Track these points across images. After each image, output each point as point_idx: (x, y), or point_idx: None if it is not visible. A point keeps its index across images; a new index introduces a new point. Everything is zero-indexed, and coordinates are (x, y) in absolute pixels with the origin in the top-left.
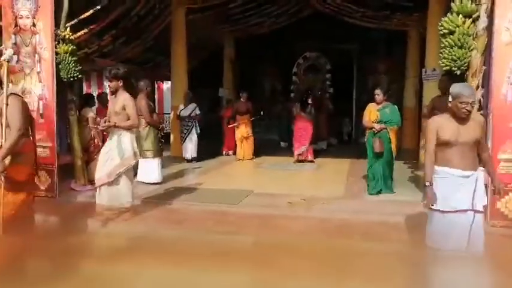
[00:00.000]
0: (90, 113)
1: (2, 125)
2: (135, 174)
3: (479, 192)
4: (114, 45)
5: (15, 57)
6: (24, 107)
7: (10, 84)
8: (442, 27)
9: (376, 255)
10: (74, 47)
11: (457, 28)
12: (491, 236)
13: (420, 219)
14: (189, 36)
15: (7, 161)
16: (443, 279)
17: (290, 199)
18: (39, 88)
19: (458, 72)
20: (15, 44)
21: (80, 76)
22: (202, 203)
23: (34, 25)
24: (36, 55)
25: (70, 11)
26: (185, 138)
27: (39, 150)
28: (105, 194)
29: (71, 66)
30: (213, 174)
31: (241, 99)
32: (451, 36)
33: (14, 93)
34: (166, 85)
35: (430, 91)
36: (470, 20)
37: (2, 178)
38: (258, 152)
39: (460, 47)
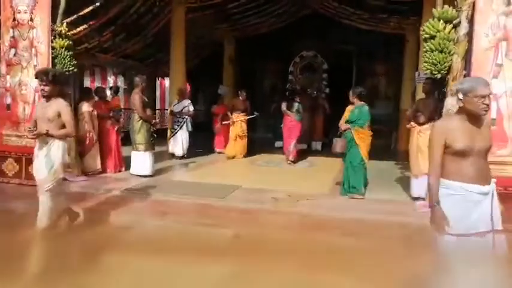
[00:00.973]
0: (85, 107)
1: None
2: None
3: (497, 208)
4: (114, 41)
5: (12, 51)
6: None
7: None
8: (423, 32)
9: (351, 251)
10: (70, 42)
11: (438, 33)
12: None
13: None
14: (188, 35)
15: None
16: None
17: (276, 195)
18: (35, 81)
19: (438, 76)
20: (13, 37)
21: (75, 70)
22: (189, 196)
23: (31, 20)
24: (33, 49)
25: (70, 7)
26: (174, 134)
27: (33, 141)
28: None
29: (66, 61)
30: (205, 170)
31: (240, 98)
32: (432, 40)
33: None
34: (168, 82)
35: (423, 94)
36: (451, 25)
37: None
38: (252, 150)
39: (441, 52)
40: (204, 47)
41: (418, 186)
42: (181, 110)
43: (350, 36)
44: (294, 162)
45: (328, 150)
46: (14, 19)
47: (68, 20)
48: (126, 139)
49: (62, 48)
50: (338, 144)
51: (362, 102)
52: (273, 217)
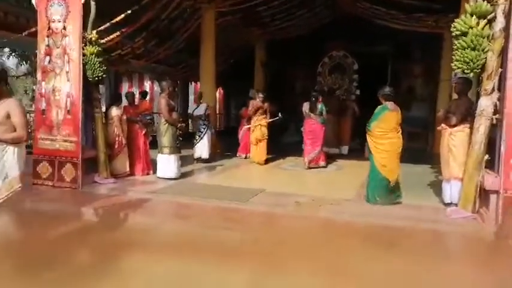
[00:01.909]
0: (114, 112)
1: None
2: None
3: None
4: (146, 47)
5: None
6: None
7: None
8: (454, 29)
9: (373, 258)
10: (100, 49)
11: (470, 29)
12: None
13: (427, 224)
14: (218, 39)
15: None
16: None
17: (299, 199)
18: (67, 86)
19: (471, 75)
20: (47, 46)
21: (104, 76)
22: (212, 199)
23: (64, 28)
24: (66, 56)
25: (104, 15)
26: (202, 137)
27: (65, 144)
28: None
29: (96, 67)
30: (230, 173)
31: (257, 100)
32: (464, 37)
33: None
34: None
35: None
36: (485, 21)
37: None
38: (279, 153)
39: (473, 49)
40: (234, 51)
41: (450, 190)
42: (205, 113)
43: (384, 36)
44: (322, 166)
45: (357, 155)
46: (49, 28)
47: (102, 28)
48: (155, 143)
49: (92, 54)
50: (367, 149)
51: (387, 103)
52: (295, 221)
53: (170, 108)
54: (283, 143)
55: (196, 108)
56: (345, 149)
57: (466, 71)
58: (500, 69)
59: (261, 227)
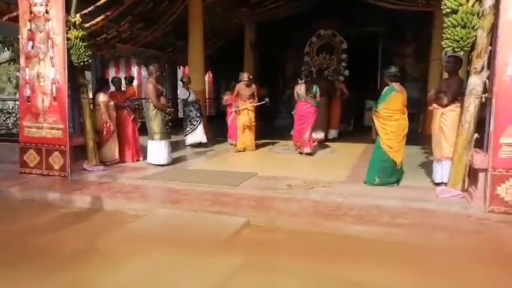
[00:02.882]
0: (101, 98)
1: None
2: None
3: None
4: (132, 31)
5: (30, 43)
6: None
7: None
8: (444, 6)
9: (364, 239)
10: (84, 33)
11: (460, 7)
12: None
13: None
14: (207, 21)
15: None
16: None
17: (292, 182)
18: (52, 72)
19: (461, 53)
20: (30, 30)
21: (89, 61)
22: (204, 184)
23: (47, 12)
24: (49, 41)
25: None
26: (200, 122)
27: (52, 131)
28: None
29: (81, 51)
30: (222, 158)
31: (242, 82)
32: (454, 15)
33: None
34: None
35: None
36: None
37: None
38: (271, 137)
39: (464, 27)
40: (223, 33)
41: (441, 170)
42: (196, 98)
43: (375, 16)
44: (312, 154)
45: (351, 137)
46: (31, 12)
47: (86, 11)
48: (144, 129)
49: (77, 39)
50: (374, 130)
51: (394, 84)
52: (286, 204)
53: (158, 94)
54: (275, 127)
55: (189, 94)
56: (333, 133)
57: (456, 49)
58: (489, 47)
59: (252, 211)
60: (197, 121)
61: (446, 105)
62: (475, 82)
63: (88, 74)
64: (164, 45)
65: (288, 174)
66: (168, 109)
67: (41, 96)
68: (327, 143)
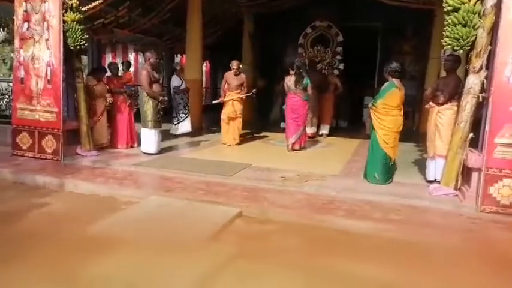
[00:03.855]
0: (90, 82)
1: None
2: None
3: None
4: (130, 17)
5: (25, 25)
6: None
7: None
8: (446, 4)
9: (355, 233)
10: (81, 16)
11: (462, 5)
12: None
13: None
14: (206, 10)
15: None
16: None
17: (286, 174)
18: (47, 55)
19: (460, 52)
20: (25, 11)
21: (86, 44)
22: (197, 173)
23: None
24: (45, 23)
25: None
26: (189, 111)
27: (46, 115)
28: None
29: (77, 35)
30: (216, 148)
31: (232, 71)
32: (455, 13)
33: None
34: None
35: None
36: None
37: None
38: (266, 129)
39: (464, 25)
40: (222, 23)
41: (434, 168)
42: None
43: (375, 11)
44: (304, 148)
45: (345, 131)
46: None
47: None
48: (140, 115)
49: (73, 22)
50: (367, 125)
51: (394, 80)
52: (279, 196)
53: (152, 81)
54: (271, 119)
55: (182, 82)
56: (325, 129)
57: (456, 47)
58: (489, 47)
59: (244, 201)
60: (188, 109)
61: (442, 104)
62: (473, 81)
63: (84, 59)
64: (162, 33)
65: (281, 167)
66: (161, 97)
67: (35, 79)
68: (317, 139)
